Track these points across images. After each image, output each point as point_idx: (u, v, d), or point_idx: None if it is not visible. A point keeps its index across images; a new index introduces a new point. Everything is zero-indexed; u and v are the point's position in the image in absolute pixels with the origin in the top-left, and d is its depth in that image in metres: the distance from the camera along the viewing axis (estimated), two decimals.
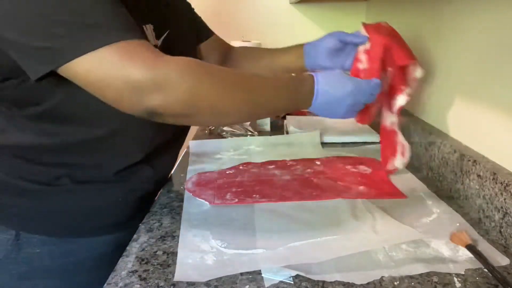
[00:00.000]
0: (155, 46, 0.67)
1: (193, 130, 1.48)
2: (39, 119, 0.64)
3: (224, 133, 1.26)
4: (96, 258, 0.75)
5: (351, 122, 1.30)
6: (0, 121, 0.66)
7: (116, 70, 0.50)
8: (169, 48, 0.70)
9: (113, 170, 0.72)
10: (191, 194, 0.84)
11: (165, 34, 0.72)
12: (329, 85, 0.66)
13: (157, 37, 0.70)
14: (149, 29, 0.68)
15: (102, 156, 0.71)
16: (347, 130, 1.23)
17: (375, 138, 1.18)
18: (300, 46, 0.90)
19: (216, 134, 1.29)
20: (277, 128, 1.34)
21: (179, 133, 0.86)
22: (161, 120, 0.56)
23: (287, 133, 1.25)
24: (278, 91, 0.63)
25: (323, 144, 1.16)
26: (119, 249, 0.77)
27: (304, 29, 1.66)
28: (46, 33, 0.50)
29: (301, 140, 1.15)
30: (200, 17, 0.95)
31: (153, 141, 0.76)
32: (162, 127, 0.73)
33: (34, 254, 0.70)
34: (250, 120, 0.61)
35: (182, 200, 0.82)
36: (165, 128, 0.76)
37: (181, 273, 0.59)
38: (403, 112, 0.86)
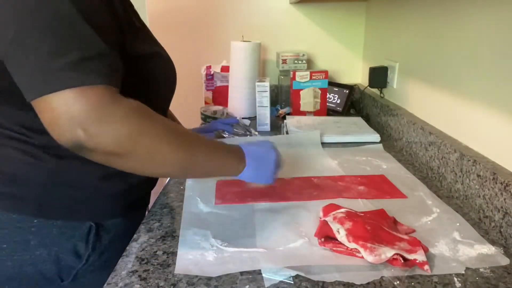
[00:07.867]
0: None
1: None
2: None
3: (224, 133, 1.26)
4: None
5: (351, 122, 1.31)
6: None
7: (65, 107, 0.51)
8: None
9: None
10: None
11: None
12: (254, 153, 0.72)
13: None
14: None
15: None
16: (347, 130, 1.23)
17: (375, 138, 1.18)
18: None
19: (216, 134, 1.29)
20: (277, 128, 1.34)
21: None
22: (88, 156, 0.56)
23: (287, 133, 1.25)
24: (211, 153, 0.66)
25: (323, 144, 1.16)
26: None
27: (304, 29, 1.66)
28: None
29: (301, 140, 1.15)
30: None
31: None
32: None
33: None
34: (180, 177, 0.62)
35: (182, 200, 0.82)
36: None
37: (181, 267, 0.60)
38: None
